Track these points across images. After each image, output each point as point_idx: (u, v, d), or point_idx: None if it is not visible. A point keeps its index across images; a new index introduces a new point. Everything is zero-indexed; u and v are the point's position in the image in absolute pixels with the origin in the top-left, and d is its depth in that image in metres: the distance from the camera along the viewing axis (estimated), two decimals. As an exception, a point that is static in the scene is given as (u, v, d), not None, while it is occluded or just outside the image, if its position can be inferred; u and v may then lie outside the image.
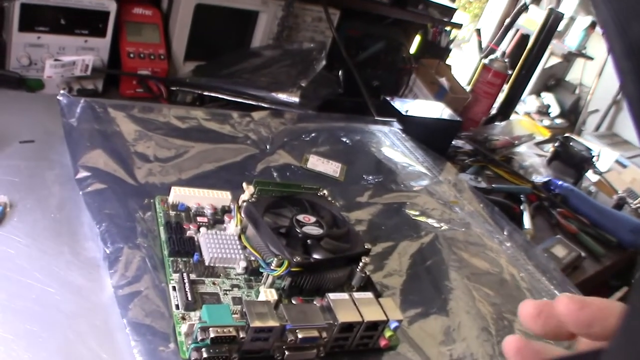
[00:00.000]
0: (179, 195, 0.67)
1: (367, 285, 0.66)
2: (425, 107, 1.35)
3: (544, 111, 2.40)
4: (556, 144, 1.67)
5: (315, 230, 0.63)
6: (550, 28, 1.72)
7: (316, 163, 0.92)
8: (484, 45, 1.91)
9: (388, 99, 1.28)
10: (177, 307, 0.55)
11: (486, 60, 1.67)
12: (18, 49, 0.90)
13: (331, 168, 0.92)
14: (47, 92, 0.95)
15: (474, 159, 1.45)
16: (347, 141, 1.04)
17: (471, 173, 1.36)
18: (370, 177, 0.95)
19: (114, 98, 1.02)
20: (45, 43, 0.93)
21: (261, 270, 0.60)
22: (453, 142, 1.45)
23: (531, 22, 1.93)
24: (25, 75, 0.93)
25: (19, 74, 0.92)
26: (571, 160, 1.63)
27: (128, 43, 1.03)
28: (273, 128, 0.96)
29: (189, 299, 0.55)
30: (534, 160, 1.60)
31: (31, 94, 0.93)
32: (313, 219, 0.65)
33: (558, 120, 2.39)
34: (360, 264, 0.64)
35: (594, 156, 1.65)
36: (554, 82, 2.55)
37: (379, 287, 0.69)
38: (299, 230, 0.63)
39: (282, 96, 1.07)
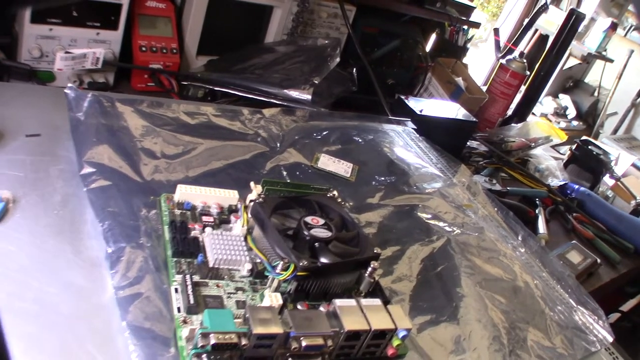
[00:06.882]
0: (185, 193, 0.66)
1: (375, 290, 0.64)
2: (440, 107, 1.32)
3: (561, 113, 2.36)
4: (573, 147, 1.64)
5: (324, 233, 0.62)
6: (571, 29, 1.68)
7: (327, 162, 0.90)
8: (501, 44, 1.88)
9: (403, 97, 1.26)
10: (179, 310, 0.53)
11: (504, 60, 1.64)
12: (29, 41, 0.89)
13: (342, 168, 0.91)
14: (58, 84, 0.94)
15: (488, 161, 1.43)
16: (360, 140, 1.02)
17: (486, 175, 1.34)
18: (382, 178, 0.93)
19: (125, 91, 1.01)
20: (57, 35, 0.91)
21: (266, 273, 0.58)
22: (468, 143, 1.42)
23: (550, 22, 1.89)
24: (36, 67, 0.92)
25: (30, 66, 0.91)
26: (588, 164, 1.60)
27: (140, 36, 1.02)
28: (284, 125, 0.94)
29: (191, 302, 0.53)
30: (550, 163, 1.57)
31: (41, 86, 0.92)
32: (322, 221, 0.63)
33: (575, 123, 2.35)
34: (369, 268, 0.62)
35: (612, 160, 1.62)
36: (572, 83, 2.51)
37: (387, 292, 0.67)
38: (306, 233, 0.61)
39: (295, 93, 1.05)
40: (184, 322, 0.52)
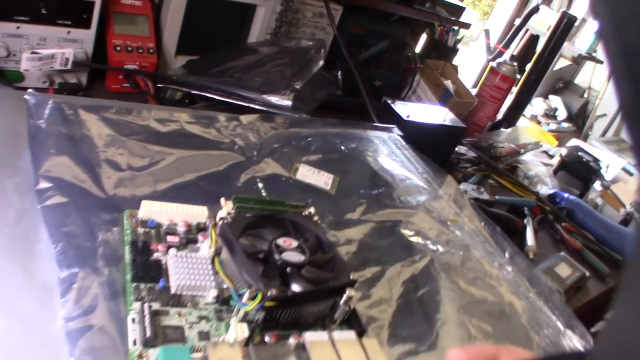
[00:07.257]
0: (150, 210, 0.61)
1: (351, 318, 0.60)
2: (428, 112, 1.28)
3: (550, 114, 2.34)
4: (563, 154, 1.61)
5: (296, 257, 0.57)
6: (563, 31, 1.65)
7: (306, 174, 0.86)
8: (492, 46, 1.84)
9: (389, 102, 1.22)
10: (135, 343, 0.49)
11: (494, 63, 1.60)
12: (-5, 39, 0.85)
13: (322, 179, 0.86)
14: (28, 84, 0.89)
15: (477, 168, 1.39)
16: (343, 149, 0.97)
17: (473, 183, 1.30)
18: (364, 191, 0.89)
19: (100, 92, 0.96)
20: (25, 33, 0.87)
21: (232, 303, 0.54)
22: (456, 149, 1.38)
23: (541, 23, 1.85)
24: (3, 67, 0.87)
25: (-5, 66, 0.86)
26: (578, 171, 1.57)
27: (115, 35, 0.97)
28: (262, 133, 0.90)
29: (148, 334, 0.49)
30: (540, 169, 1.53)
31: (5, 88, 0.86)
32: (295, 243, 0.59)
33: (565, 124, 2.33)
34: (344, 296, 0.58)
35: (602, 168, 1.59)
36: (562, 84, 2.48)
37: (365, 319, 0.62)
38: (277, 257, 0.57)
39: (274, 98, 1.00)
40: (140, 357, 0.48)
